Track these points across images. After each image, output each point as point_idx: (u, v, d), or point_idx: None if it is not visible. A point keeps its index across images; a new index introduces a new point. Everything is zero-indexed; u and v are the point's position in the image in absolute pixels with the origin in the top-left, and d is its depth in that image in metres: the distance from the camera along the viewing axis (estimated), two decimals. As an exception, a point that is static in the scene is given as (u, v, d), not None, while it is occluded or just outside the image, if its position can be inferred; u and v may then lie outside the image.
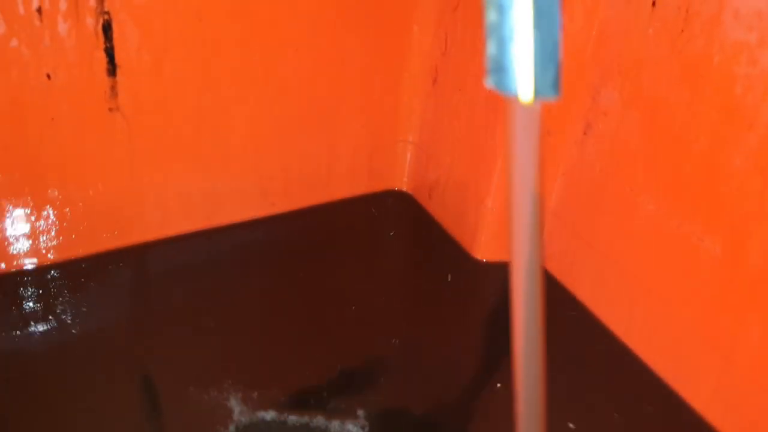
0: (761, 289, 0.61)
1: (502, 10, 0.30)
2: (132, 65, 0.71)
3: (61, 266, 0.76)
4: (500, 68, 0.31)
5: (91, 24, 0.67)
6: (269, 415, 0.63)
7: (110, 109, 0.72)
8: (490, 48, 0.32)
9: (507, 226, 0.84)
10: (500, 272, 0.83)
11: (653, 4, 0.66)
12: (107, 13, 0.67)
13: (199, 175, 0.80)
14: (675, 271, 0.68)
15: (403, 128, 0.92)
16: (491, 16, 0.31)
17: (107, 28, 0.68)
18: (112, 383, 0.65)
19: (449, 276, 0.83)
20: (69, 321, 0.70)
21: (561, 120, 0.77)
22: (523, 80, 0.31)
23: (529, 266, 0.35)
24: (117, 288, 0.76)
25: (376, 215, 0.92)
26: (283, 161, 0.86)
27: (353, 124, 0.88)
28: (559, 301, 0.80)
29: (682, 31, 0.64)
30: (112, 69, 0.70)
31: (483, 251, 0.85)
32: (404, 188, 0.95)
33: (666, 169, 0.68)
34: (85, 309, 0.72)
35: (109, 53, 0.70)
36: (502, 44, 0.31)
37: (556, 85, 0.32)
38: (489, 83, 0.33)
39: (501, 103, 0.80)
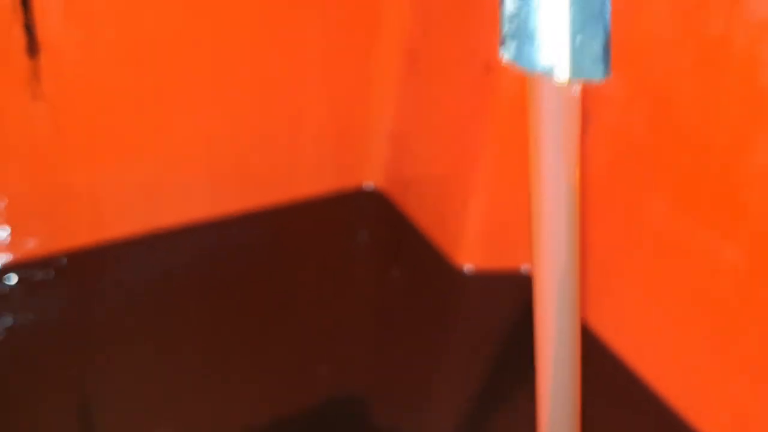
0: (790, 306, 0.53)
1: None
2: (57, 45, 0.62)
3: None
4: (522, 33, 0.22)
5: (7, -4, 0.58)
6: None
7: (33, 97, 0.63)
8: (507, 3, 0.22)
9: (497, 230, 0.72)
10: (485, 282, 0.74)
11: (663, -24, 0.58)
12: (25, -19, 0.58)
13: (138, 171, 0.71)
14: (689, 285, 0.60)
15: (375, 118, 0.82)
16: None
17: (26, 1, 0.59)
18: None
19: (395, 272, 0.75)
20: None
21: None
22: (556, 52, 0.22)
23: (562, 295, 0.26)
24: (44, 300, 0.67)
25: (346, 218, 0.83)
26: (237, 156, 0.76)
27: (317, 114, 0.79)
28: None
29: (698, 6, 0.56)
30: (33, 49, 0.61)
31: (467, 257, 0.75)
32: (377, 185, 0.86)
33: (679, 168, 0.60)
34: (5, 324, 0.64)
35: (29, 30, 0.60)
36: (526, -2, 0.21)
37: (605, 59, 0.23)
38: (506, 55, 0.23)
39: (514, 84, 0.71)
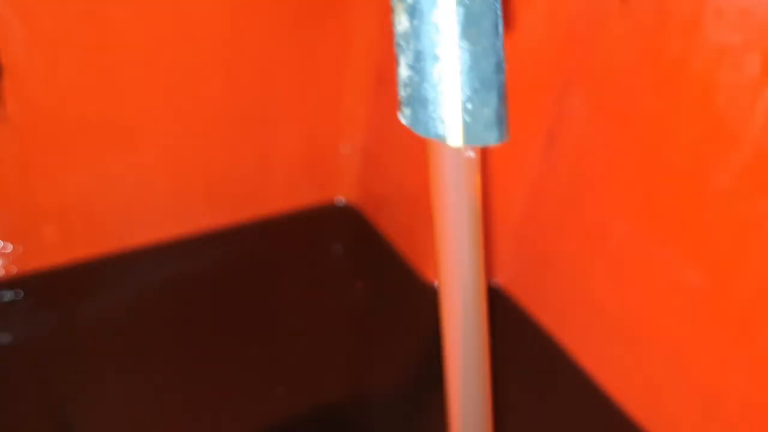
0: (750, 327, 0.53)
1: (417, 13, 0.21)
2: (20, 68, 0.61)
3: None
4: (419, 100, 0.22)
5: (-35, 21, 0.57)
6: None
7: (-3, 119, 0.62)
8: (403, 70, 0.22)
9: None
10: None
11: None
12: (-16, 6, 0.57)
13: (105, 190, 0.71)
14: (650, 304, 0.61)
15: (346, 134, 0.82)
16: (402, 22, 0.22)
17: (-13, 25, 0.58)
18: None
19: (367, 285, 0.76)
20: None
21: (522, 129, 0.68)
22: (448, 119, 0.22)
23: (469, 341, 0.27)
24: (14, 321, 0.67)
25: (319, 232, 0.83)
26: (206, 173, 0.76)
27: (288, 129, 0.79)
28: (522, 330, 0.72)
29: (657, 32, 0.56)
30: (-5, 72, 0.60)
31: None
32: (349, 201, 0.86)
33: (640, 189, 0.60)
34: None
35: (-9, 54, 0.60)
36: (421, 64, 0.21)
37: (500, 124, 0.23)
38: (403, 120, 0.23)
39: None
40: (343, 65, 0.79)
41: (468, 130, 0.21)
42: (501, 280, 0.75)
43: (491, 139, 0.21)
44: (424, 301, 0.75)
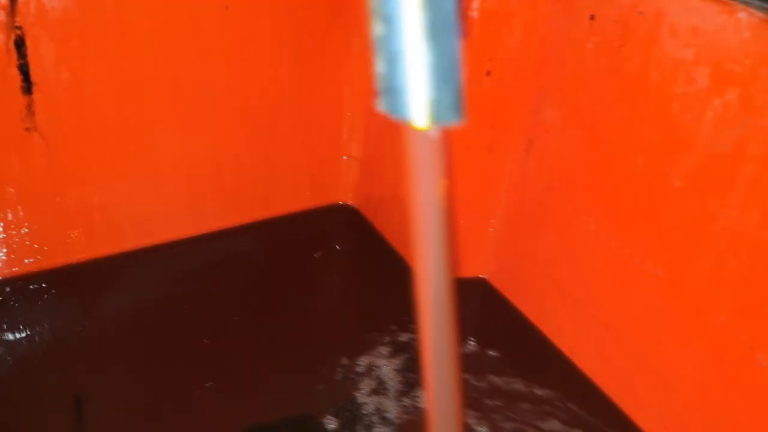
0: (703, 313, 0.59)
1: (389, 20, 0.27)
2: (49, 82, 0.68)
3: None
4: (391, 89, 0.28)
5: (2, 40, 0.63)
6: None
7: (27, 129, 0.68)
8: (379, 66, 0.29)
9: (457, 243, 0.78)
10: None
11: (591, 17, 0.64)
12: (20, 28, 0.64)
13: (125, 194, 0.77)
14: (616, 294, 0.66)
15: (345, 143, 0.89)
16: (378, 28, 0.28)
17: (20, 44, 0.65)
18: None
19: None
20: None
21: (503, 136, 0.74)
22: (416, 104, 0.28)
23: (437, 307, 0.33)
24: (41, 314, 0.72)
25: (321, 231, 0.89)
26: (218, 180, 0.82)
27: (293, 138, 0.85)
28: (506, 319, 0.78)
29: (620, 47, 0.62)
30: (27, 87, 0.67)
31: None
32: (350, 203, 0.92)
33: (606, 190, 0.66)
34: (6, 336, 0.68)
35: (24, 70, 0.66)
36: (392, 61, 0.28)
37: (457, 108, 0.29)
38: (380, 106, 0.30)
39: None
40: (342, 83, 0.85)
41: (433, 113, 0.27)
42: (486, 274, 0.81)
43: (452, 119, 0.28)
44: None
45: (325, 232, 0.90)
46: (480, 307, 0.81)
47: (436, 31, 0.26)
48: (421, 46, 0.27)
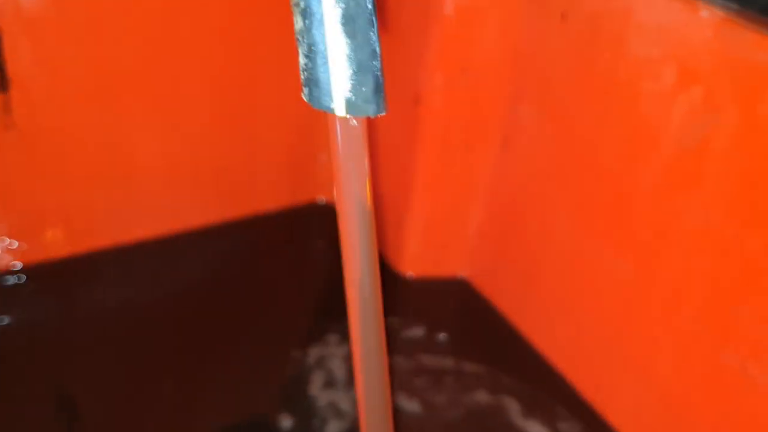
0: (672, 310, 0.59)
1: (308, 14, 0.28)
2: (26, 80, 0.68)
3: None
4: (313, 81, 0.29)
5: (-22, 37, 0.64)
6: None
7: (5, 127, 0.69)
8: (301, 58, 0.29)
9: (433, 243, 0.80)
10: (428, 287, 0.81)
11: (562, 16, 0.65)
12: (-4, 25, 0.64)
13: (103, 191, 0.77)
14: (590, 291, 0.67)
15: (322, 140, 0.89)
16: (298, 22, 0.28)
17: (-4, 42, 0.65)
18: None
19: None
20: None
21: (480, 134, 0.75)
22: (335, 95, 0.29)
23: (363, 287, 0.33)
24: (20, 312, 0.72)
25: (300, 229, 0.90)
26: (196, 176, 0.82)
27: (271, 139, 0.86)
28: (484, 317, 0.78)
29: (590, 44, 0.62)
30: (3, 84, 0.67)
31: (409, 266, 0.82)
32: (328, 201, 0.93)
33: (579, 188, 0.66)
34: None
35: (0, 68, 0.67)
36: (313, 54, 0.28)
37: (377, 100, 0.29)
38: (304, 97, 0.30)
39: (440, 114, 0.77)
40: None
41: (350, 104, 0.28)
42: (466, 273, 0.81)
43: (369, 111, 0.28)
44: (396, 289, 0.81)
45: (304, 228, 0.90)
46: (459, 306, 0.81)
47: (352, 24, 0.27)
48: (337, 39, 0.27)
